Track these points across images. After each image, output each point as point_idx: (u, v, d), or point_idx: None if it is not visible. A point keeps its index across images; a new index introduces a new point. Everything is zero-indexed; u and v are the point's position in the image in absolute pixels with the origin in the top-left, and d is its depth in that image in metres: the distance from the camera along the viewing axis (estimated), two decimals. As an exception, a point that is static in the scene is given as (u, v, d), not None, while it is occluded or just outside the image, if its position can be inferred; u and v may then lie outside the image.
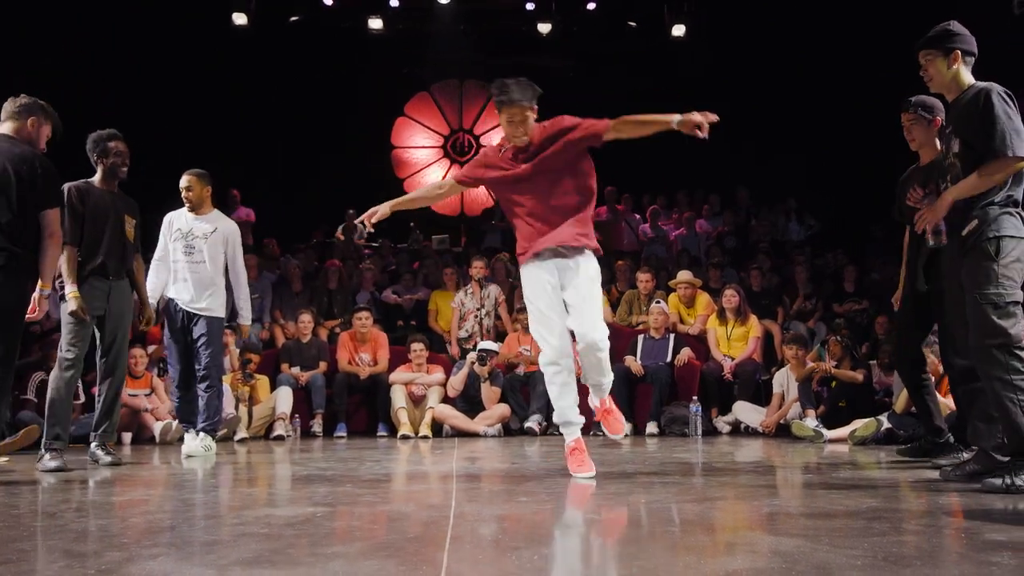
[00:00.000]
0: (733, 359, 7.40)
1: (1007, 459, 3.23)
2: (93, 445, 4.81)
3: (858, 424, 5.84)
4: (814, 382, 6.60)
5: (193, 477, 4.07)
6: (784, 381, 6.91)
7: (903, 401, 5.65)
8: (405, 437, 6.78)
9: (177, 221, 5.53)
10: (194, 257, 5.44)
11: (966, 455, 4.04)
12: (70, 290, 4.58)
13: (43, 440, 4.51)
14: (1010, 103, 3.23)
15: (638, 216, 11.57)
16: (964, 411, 4.19)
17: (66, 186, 4.62)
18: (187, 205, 5.51)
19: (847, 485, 3.40)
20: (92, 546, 2.18)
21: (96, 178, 4.84)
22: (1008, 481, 3.09)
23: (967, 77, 3.43)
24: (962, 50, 3.41)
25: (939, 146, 4.19)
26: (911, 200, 4.10)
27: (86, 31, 10.16)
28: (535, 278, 3.66)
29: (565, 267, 3.63)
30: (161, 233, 5.55)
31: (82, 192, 4.72)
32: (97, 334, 4.79)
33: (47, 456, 4.40)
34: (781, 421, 6.75)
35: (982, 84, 3.33)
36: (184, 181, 5.49)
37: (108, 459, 4.72)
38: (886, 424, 5.70)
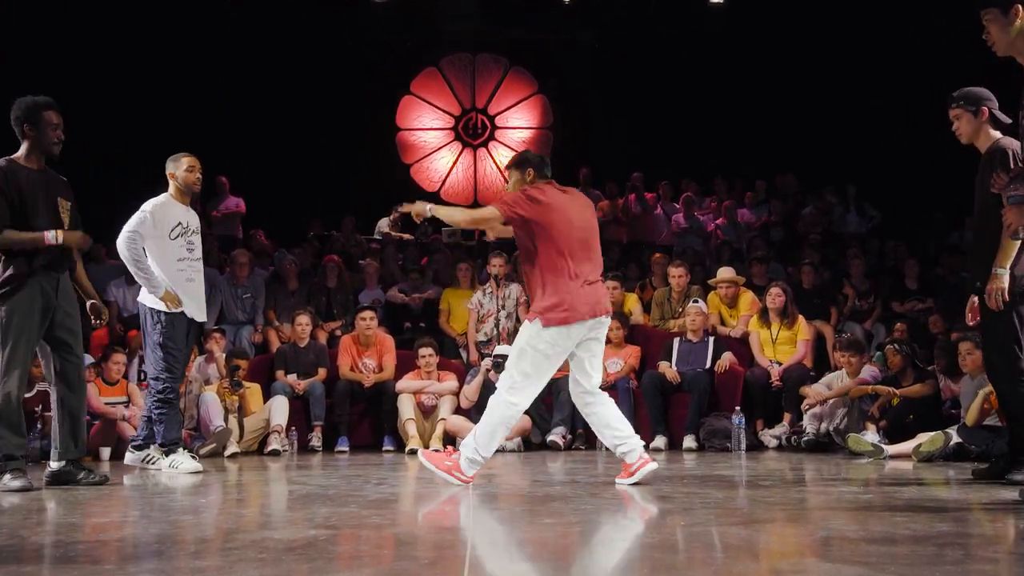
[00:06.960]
0: (780, 364, 7.34)
1: None
2: (60, 465, 4.45)
3: (923, 438, 5.77)
4: (875, 407, 6.49)
5: (179, 497, 4.09)
6: (837, 383, 6.80)
7: (975, 412, 5.58)
8: (414, 452, 6.79)
9: (172, 214, 5.17)
10: (195, 254, 5.23)
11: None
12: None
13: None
14: None
15: (677, 205, 11.45)
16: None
17: None
18: (192, 192, 5.30)
19: (913, 507, 3.37)
20: (72, 572, 2.18)
21: (20, 154, 4.42)
22: None
23: None
24: None
25: (992, 134, 4.16)
26: (996, 187, 3.98)
27: (70, 10, 10.25)
28: None
29: None
30: (147, 227, 5.05)
31: (6, 172, 4.32)
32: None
33: (7, 476, 4.19)
34: (830, 428, 6.62)
35: None
36: (197, 164, 5.24)
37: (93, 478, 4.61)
38: (955, 438, 5.63)
